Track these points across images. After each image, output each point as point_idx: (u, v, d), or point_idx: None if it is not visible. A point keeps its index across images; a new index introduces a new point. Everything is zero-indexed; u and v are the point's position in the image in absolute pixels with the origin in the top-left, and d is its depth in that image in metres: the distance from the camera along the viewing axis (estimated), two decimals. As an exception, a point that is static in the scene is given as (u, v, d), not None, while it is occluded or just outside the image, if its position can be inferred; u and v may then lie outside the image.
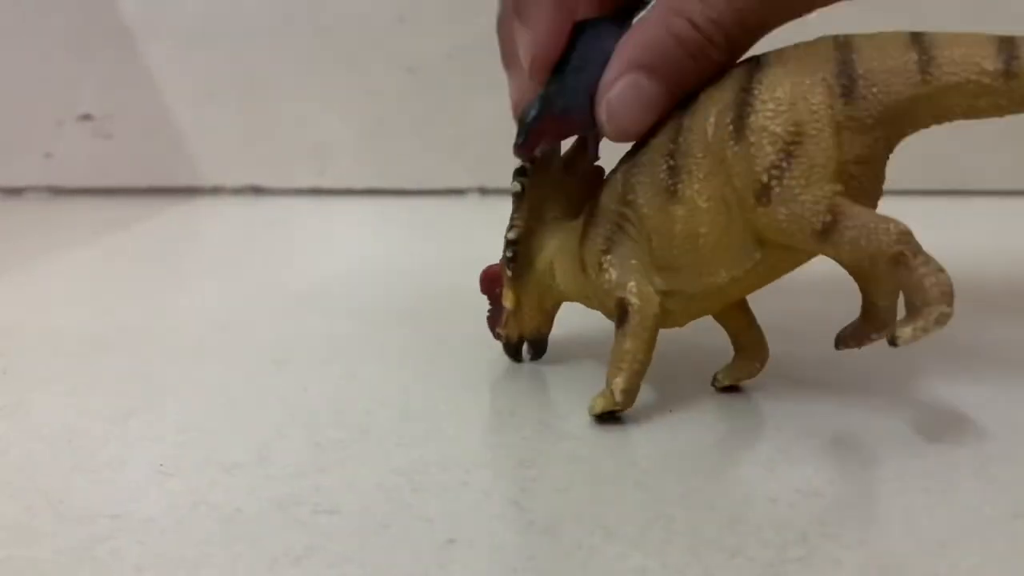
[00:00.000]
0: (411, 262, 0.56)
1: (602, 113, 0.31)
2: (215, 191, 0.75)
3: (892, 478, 0.28)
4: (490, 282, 0.36)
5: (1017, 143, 0.73)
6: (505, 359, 0.38)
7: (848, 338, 0.32)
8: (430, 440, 0.31)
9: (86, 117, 0.73)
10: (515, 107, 0.35)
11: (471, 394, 0.35)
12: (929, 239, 0.28)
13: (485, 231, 0.67)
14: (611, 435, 0.31)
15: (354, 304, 0.47)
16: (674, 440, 0.31)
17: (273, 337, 0.42)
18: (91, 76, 0.72)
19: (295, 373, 0.37)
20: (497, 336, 0.37)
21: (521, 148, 0.32)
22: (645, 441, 0.31)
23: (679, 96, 0.30)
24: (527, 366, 0.38)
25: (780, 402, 0.34)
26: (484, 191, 0.75)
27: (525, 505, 0.27)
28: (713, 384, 0.34)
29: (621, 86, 0.30)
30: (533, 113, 0.31)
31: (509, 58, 0.35)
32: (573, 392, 0.35)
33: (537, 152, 0.33)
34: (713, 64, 0.30)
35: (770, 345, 0.34)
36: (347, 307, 0.46)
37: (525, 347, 0.37)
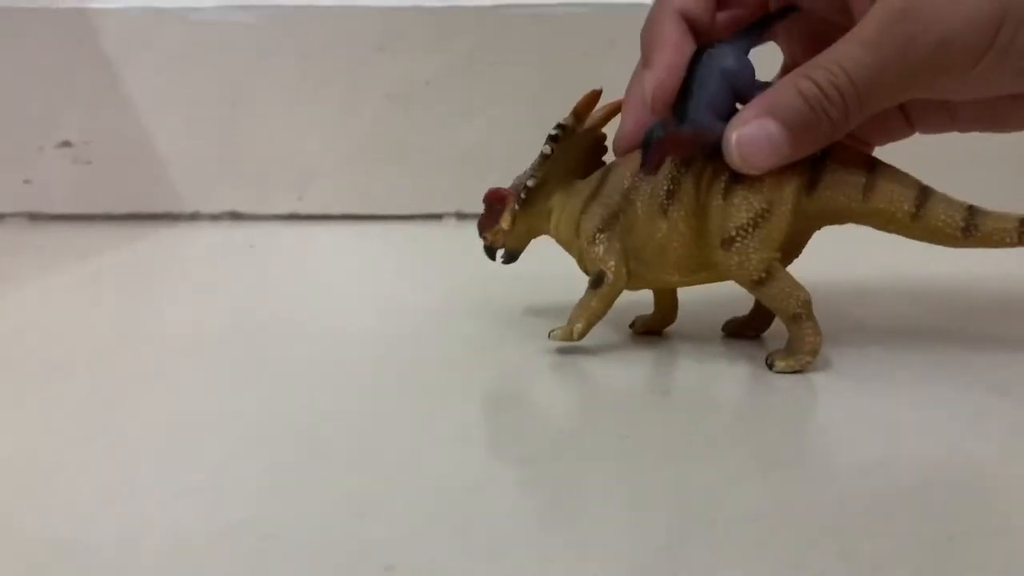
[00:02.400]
0: (386, 286, 0.57)
1: (731, 143, 0.35)
2: (194, 217, 0.75)
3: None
4: (494, 199, 0.43)
5: (1003, 163, 0.73)
6: (471, 385, 0.38)
7: (732, 327, 0.43)
8: (383, 465, 0.31)
9: (65, 144, 0.74)
10: (622, 139, 0.41)
11: (432, 419, 0.35)
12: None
13: (462, 255, 0.67)
14: (568, 457, 0.31)
15: (325, 329, 0.47)
16: (626, 459, 0.31)
17: (239, 362, 0.42)
18: (71, 103, 0.73)
19: (257, 398, 0.37)
20: (483, 238, 0.44)
21: (646, 165, 0.36)
22: (599, 467, 0.31)
23: (802, 148, 0.35)
24: (492, 390, 0.38)
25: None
26: (461, 216, 0.75)
27: (470, 531, 0.27)
28: (631, 327, 0.44)
29: (752, 126, 0.35)
30: (659, 132, 0.35)
31: (629, 98, 0.41)
32: (532, 418, 0.35)
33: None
34: (832, 124, 0.35)
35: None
36: (318, 332, 0.46)
37: (499, 253, 0.44)
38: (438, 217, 0.76)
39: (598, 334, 0.42)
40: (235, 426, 0.34)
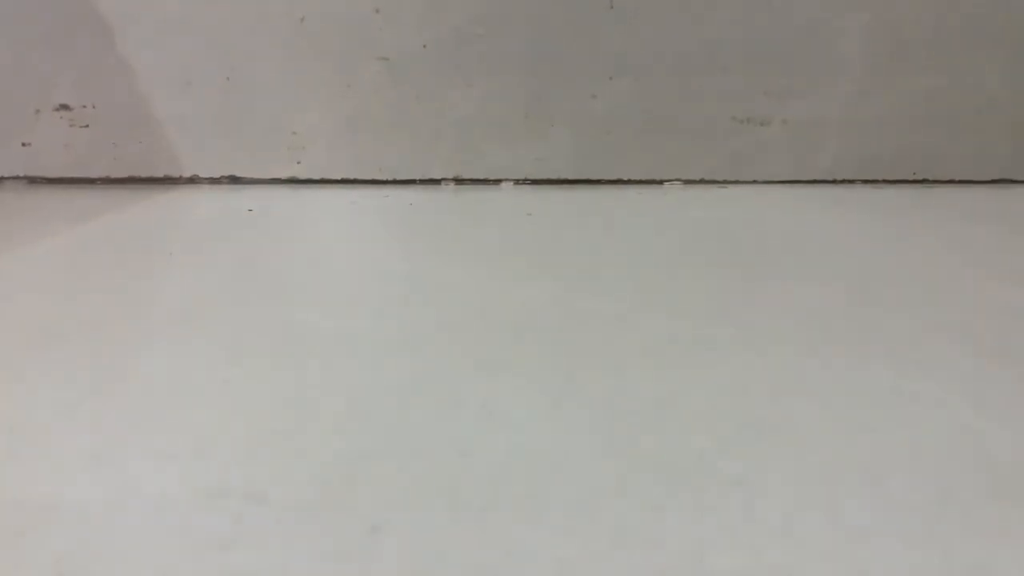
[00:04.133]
0: (384, 252, 0.57)
1: None
2: (192, 181, 0.75)
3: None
4: None
5: (976, 134, 0.73)
6: (470, 344, 0.39)
7: None
8: (371, 430, 0.31)
9: (63, 107, 0.73)
10: None
11: (423, 383, 0.35)
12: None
13: (460, 221, 0.67)
14: (555, 419, 0.32)
15: (321, 295, 0.47)
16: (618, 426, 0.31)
17: (234, 328, 0.42)
18: (68, 66, 0.72)
19: (249, 364, 0.38)
20: None
21: None
22: (585, 432, 0.31)
23: None
24: (484, 356, 0.38)
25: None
26: (460, 181, 0.75)
27: (457, 493, 0.27)
28: None
29: None
30: None
31: None
32: (527, 380, 0.35)
33: None
34: None
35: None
36: (314, 298, 0.47)
37: None
38: (437, 182, 0.75)
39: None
40: (225, 392, 0.35)
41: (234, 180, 0.75)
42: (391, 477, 0.28)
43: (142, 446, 0.30)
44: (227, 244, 0.59)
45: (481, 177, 0.75)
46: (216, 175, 0.75)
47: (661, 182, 0.75)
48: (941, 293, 0.46)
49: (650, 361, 0.37)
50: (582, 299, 0.45)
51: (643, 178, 0.75)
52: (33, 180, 0.75)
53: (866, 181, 0.74)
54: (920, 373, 0.36)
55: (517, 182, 0.75)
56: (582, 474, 0.28)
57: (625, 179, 0.75)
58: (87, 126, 0.73)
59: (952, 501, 0.26)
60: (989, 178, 0.74)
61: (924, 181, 0.74)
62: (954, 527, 0.25)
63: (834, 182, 0.74)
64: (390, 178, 0.75)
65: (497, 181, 0.75)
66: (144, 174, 0.75)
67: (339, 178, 0.75)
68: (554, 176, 0.75)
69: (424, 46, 0.72)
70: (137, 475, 0.28)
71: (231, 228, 0.64)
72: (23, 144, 0.73)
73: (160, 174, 0.75)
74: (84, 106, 0.73)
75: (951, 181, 0.74)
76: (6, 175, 0.74)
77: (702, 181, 0.72)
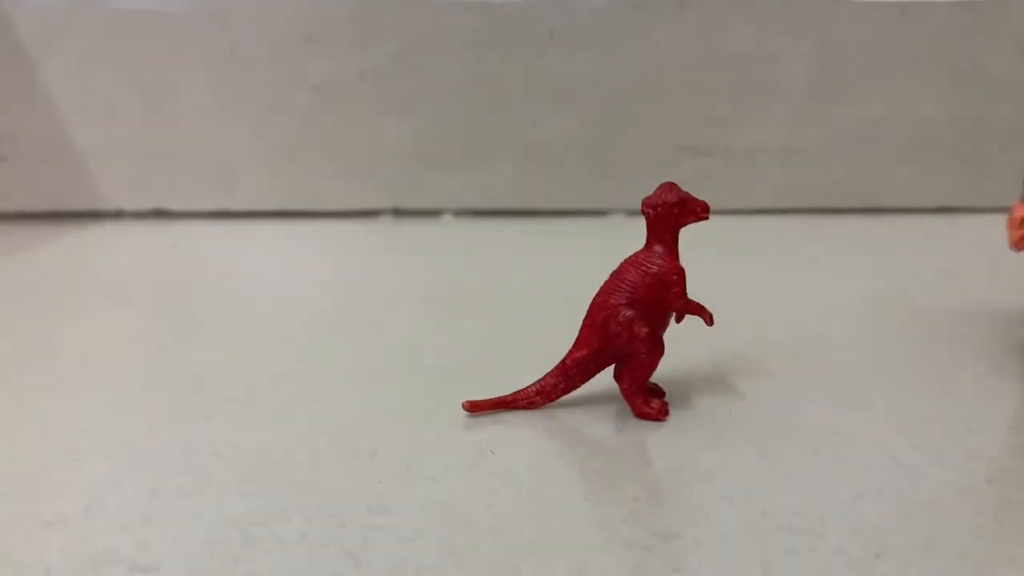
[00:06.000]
0: (318, 288, 0.54)
1: None
2: (117, 215, 0.72)
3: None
4: None
5: (919, 162, 0.73)
6: (383, 393, 0.36)
7: None
8: (277, 487, 0.29)
9: (-20, 139, 0.70)
10: None
11: (334, 434, 0.33)
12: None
13: (397, 254, 0.65)
14: (473, 476, 0.29)
15: (238, 337, 0.44)
16: (536, 481, 0.29)
17: (137, 372, 0.39)
18: (-15, 96, 0.69)
19: (148, 411, 0.35)
20: None
21: None
22: (506, 483, 0.29)
23: None
24: (404, 402, 0.36)
25: (641, 448, 0.32)
26: (398, 212, 0.73)
27: (363, 558, 0.25)
28: None
29: None
30: None
31: None
32: (444, 429, 0.33)
33: None
34: None
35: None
36: (229, 341, 0.44)
37: None
38: (375, 214, 0.73)
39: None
40: (120, 443, 0.32)
41: (161, 214, 0.72)
42: (295, 543, 0.25)
43: (24, 509, 0.27)
44: (147, 281, 0.56)
45: (420, 208, 0.73)
46: (142, 208, 0.72)
47: (605, 212, 0.73)
48: (886, 324, 0.45)
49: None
50: (518, 338, 0.43)
51: (586, 208, 0.74)
52: (-53, 215, 0.71)
53: (809, 210, 0.74)
54: (858, 412, 0.34)
55: (457, 213, 0.73)
56: (505, 535, 0.26)
57: (568, 209, 0.74)
58: (5, 159, 0.70)
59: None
60: (932, 206, 0.74)
61: (867, 210, 0.74)
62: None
63: (777, 211, 0.73)
64: (325, 209, 0.73)
65: (437, 212, 0.73)
66: (66, 208, 0.71)
67: (272, 210, 0.73)
68: (495, 207, 0.73)
69: (359, 73, 0.70)
70: (14, 543, 0.25)
71: (153, 264, 0.61)
72: (-64, 178, 0.70)
73: (83, 208, 0.71)
74: (2, 138, 0.69)
75: (894, 209, 0.74)
76: (-82, 210, 0.71)
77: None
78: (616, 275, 0.34)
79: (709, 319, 0.34)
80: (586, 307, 0.34)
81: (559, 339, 0.35)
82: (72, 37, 0.69)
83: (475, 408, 0.34)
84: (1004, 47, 0.71)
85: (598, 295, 0.34)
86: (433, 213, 0.73)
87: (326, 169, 0.73)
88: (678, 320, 0.35)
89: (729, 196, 0.73)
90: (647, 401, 0.34)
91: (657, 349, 0.33)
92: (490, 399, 0.34)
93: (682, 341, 0.37)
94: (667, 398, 0.35)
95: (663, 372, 0.36)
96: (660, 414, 0.33)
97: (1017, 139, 0.73)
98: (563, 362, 0.34)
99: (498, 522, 0.26)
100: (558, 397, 0.34)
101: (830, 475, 0.29)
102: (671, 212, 0.34)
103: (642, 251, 0.34)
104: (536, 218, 0.73)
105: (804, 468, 0.30)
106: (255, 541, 0.25)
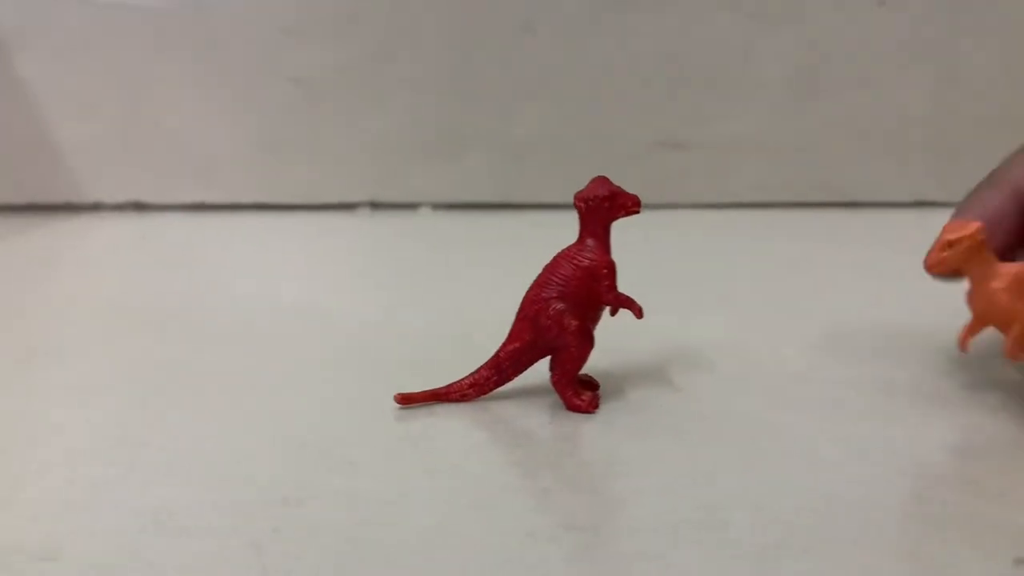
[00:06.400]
0: (286, 282, 0.54)
1: None
2: (95, 208, 0.72)
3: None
4: None
5: (897, 157, 0.72)
6: (328, 386, 0.36)
7: None
8: (194, 478, 0.29)
9: (-41, 131, 0.70)
10: None
11: (268, 425, 0.33)
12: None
13: (373, 247, 0.65)
14: (392, 468, 0.29)
15: (203, 330, 0.44)
16: (454, 472, 0.29)
17: (86, 365, 0.40)
18: (-36, 89, 0.70)
19: (90, 402, 0.35)
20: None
21: None
22: (424, 475, 0.29)
23: None
24: (347, 393, 0.36)
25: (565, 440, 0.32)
26: (375, 205, 0.73)
27: (266, 549, 0.25)
28: None
29: None
30: None
31: None
32: (376, 421, 0.33)
33: None
34: None
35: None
36: (192, 330, 0.44)
37: None
38: (352, 207, 0.73)
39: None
40: (54, 434, 0.32)
41: (139, 206, 0.72)
42: (202, 534, 0.26)
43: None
44: (119, 273, 0.56)
45: (397, 201, 0.73)
46: (120, 201, 0.72)
47: (580, 206, 0.73)
48: (861, 318, 0.45)
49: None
50: (488, 330, 0.43)
51: (564, 201, 0.73)
52: (-75, 208, 0.72)
53: (787, 204, 0.73)
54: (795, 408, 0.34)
55: (435, 206, 0.73)
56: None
57: (545, 203, 0.74)
58: (-17, 151, 0.70)
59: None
60: (911, 200, 0.74)
61: (845, 204, 0.73)
62: None
63: (755, 206, 0.73)
64: (303, 202, 0.73)
65: (415, 205, 0.73)
66: (44, 200, 0.72)
67: (250, 202, 0.73)
68: (473, 200, 0.73)
69: (337, 67, 0.70)
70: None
71: (129, 257, 0.61)
72: (-86, 170, 0.70)
73: (60, 200, 0.72)
74: (-20, 130, 0.70)
75: (872, 204, 0.73)
76: None
77: (621, 204, 0.70)
78: (548, 269, 0.34)
79: (639, 312, 0.34)
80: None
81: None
82: (49, 31, 0.69)
83: (407, 401, 0.34)
84: (982, 40, 0.71)
85: (531, 289, 0.34)
86: (411, 206, 0.73)
87: (304, 162, 0.73)
88: (612, 313, 0.35)
89: (705, 190, 0.73)
90: (577, 393, 0.34)
91: (587, 342, 0.33)
92: (423, 392, 0.34)
93: (626, 335, 0.37)
94: (602, 391, 0.35)
95: (603, 365, 0.36)
96: (590, 406, 0.33)
97: (995, 133, 0.72)
98: (496, 355, 0.34)
99: (405, 514, 0.27)
100: (491, 390, 0.34)
101: (749, 468, 0.29)
102: (602, 206, 0.34)
103: (574, 245, 0.34)
104: (513, 211, 0.72)
105: (725, 462, 0.30)
106: (162, 532, 0.26)
